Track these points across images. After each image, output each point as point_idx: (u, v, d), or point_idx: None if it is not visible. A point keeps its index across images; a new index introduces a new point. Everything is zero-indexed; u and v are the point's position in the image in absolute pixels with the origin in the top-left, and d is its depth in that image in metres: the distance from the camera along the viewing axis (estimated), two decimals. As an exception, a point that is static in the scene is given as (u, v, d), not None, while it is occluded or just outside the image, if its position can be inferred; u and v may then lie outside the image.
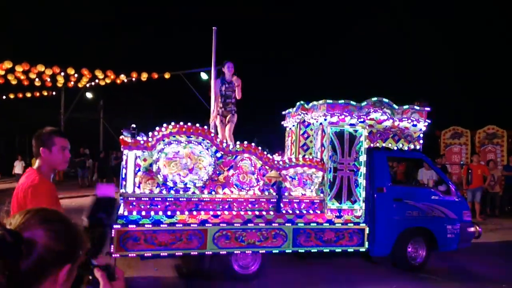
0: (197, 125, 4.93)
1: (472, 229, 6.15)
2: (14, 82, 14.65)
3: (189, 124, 4.89)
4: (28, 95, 17.80)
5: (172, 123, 4.85)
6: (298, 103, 6.24)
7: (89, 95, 20.55)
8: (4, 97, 17.79)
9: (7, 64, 13.13)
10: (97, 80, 15.61)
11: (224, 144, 5.03)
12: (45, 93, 18.07)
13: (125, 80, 15.62)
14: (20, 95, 17.79)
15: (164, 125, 4.85)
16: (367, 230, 5.42)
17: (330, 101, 5.32)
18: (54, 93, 18.69)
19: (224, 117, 6.10)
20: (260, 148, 5.15)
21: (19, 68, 13.52)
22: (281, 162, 5.22)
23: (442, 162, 10.37)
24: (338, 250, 5.32)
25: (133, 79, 15.57)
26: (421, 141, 5.81)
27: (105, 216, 1.43)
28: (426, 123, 5.75)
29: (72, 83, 15.88)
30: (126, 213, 4.67)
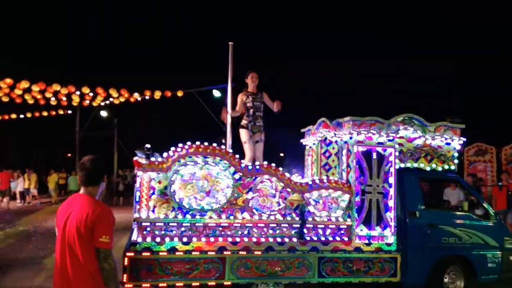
0: (214, 145, 4.63)
1: (515, 257, 5.61)
2: (31, 101, 14.82)
3: (205, 144, 4.60)
4: (45, 114, 18.01)
5: (188, 143, 4.57)
6: (319, 120, 5.89)
7: (103, 113, 20.70)
8: (21, 116, 18.04)
9: (24, 84, 13.29)
10: (111, 99, 15.68)
11: (243, 165, 4.70)
12: (61, 112, 18.26)
13: (139, 99, 15.65)
14: (37, 114, 18.02)
15: (180, 145, 4.58)
16: (399, 259, 4.95)
17: (356, 118, 4.97)
18: (69, 111, 18.88)
19: (253, 133, 5.55)
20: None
21: (35, 88, 13.67)
22: (303, 184, 4.85)
23: (478, 183, 9.74)
24: (368, 281, 4.86)
25: (147, 97, 15.59)
26: (456, 161, 5.38)
27: None
28: (461, 141, 5.32)
29: (87, 101, 15.99)
30: (139, 240, 4.36)
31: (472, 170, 13.02)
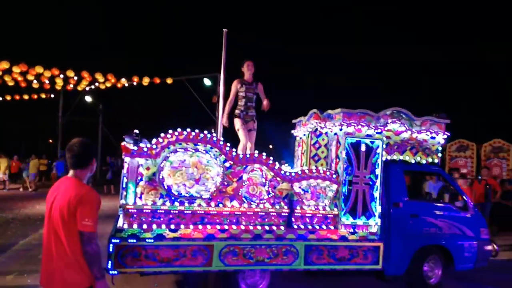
0: (205, 132, 4.62)
1: (489, 247, 5.86)
2: (11, 83, 14.33)
3: (196, 131, 4.57)
4: (26, 97, 17.47)
5: (179, 130, 4.53)
6: (310, 112, 5.94)
7: (88, 98, 20.20)
8: (0, 98, 17.45)
9: (4, 65, 12.83)
10: (97, 84, 15.30)
11: (234, 153, 4.71)
12: (43, 96, 17.75)
13: (126, 85, 15.33)
14: (17, 97, 17.46)
15: (170, 131, 4.53)
16: (382, 248, 5.09)
17: (347, 110, 5.03)
18: (52, 95, 18.37)
19: (246, 122, 5.69)
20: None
21: (16, 69, 13.22)
22: (293, 174, 4.89)
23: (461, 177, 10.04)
24: (352, 268, 4.98)
25: (135, 83, 15.28)
26: (439, 155, 5.53)
27: None
28: (445, 136, 5.46)
29: (72, 86, 15.57)
30: (126, 226, 4.32)
31: (453, 165, 13.42)
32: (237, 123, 5.67)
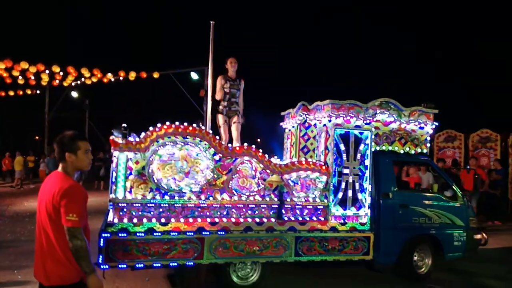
0: (194, 125, 4.58)
1: (478, 236, 5.95)
2: (-5, 79, 14.02)
3: (185, 124, 4.53)
4: (11, 93, 17.12)
5: (167, 123, 4.49)
6: (299, 103, 5.94)
7: (74, 94, 19.85)
8: (-15, 95, 17.06)
9: (-12, 61, 12.53)
10: (83, 79, 15.03)
11: (223, 146, 4.68)
12: (29, 92, 17.40)
13: (112, 79, 15.08)
14: (2, 94, 17.10)
15: (159, 125, 4.48)
16: (372, 238, 5.14)
17: (335, 101, 5.03)
18: (38, 91, 18.02)
19: (228, 117, 5.86)
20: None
21: (1, 65, 12.92)
22: (283, 166, 4.89)
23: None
24: (343, 259, 5.02)
25: (121, 78, 15.04)
26: (428, 145, 5.58)
27: None
28: (434, 126, 5.52)
29: (57, 81, 15.27)
30: (116, 221, 4.28)
31: (441, 155, 13.59)
32: (220, 119, 5.84)
